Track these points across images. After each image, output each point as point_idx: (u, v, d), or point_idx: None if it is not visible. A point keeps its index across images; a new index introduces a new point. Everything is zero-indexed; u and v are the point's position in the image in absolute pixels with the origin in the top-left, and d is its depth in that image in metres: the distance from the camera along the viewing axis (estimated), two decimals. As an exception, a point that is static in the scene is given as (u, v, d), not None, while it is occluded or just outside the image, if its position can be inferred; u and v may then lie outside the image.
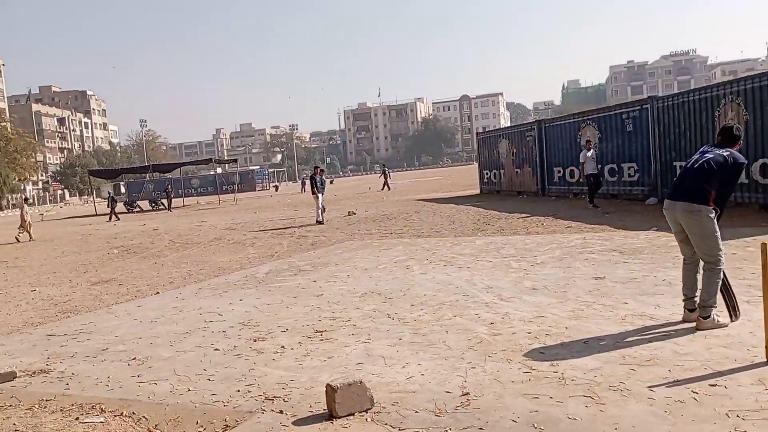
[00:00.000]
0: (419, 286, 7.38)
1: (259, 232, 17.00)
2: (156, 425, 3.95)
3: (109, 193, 34.61)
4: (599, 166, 15.75)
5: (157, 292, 8.88)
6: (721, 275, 4.67)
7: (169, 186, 40.28)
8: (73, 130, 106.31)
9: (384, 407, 3.75)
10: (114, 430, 3.93)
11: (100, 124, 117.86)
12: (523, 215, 14.76)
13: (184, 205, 40.20)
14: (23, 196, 33.44)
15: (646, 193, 15.15)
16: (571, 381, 3.89)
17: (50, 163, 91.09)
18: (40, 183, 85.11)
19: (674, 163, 13.85)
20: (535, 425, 3.31)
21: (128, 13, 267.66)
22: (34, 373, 5.16)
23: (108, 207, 31.59)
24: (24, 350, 5.99)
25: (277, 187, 63.31)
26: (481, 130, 32.21)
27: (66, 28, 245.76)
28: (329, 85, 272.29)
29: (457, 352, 4.71)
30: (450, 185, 35.30)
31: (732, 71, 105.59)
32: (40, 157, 75.29)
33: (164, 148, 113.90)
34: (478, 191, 25.76)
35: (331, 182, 61.28)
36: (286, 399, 4.07)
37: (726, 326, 4.68)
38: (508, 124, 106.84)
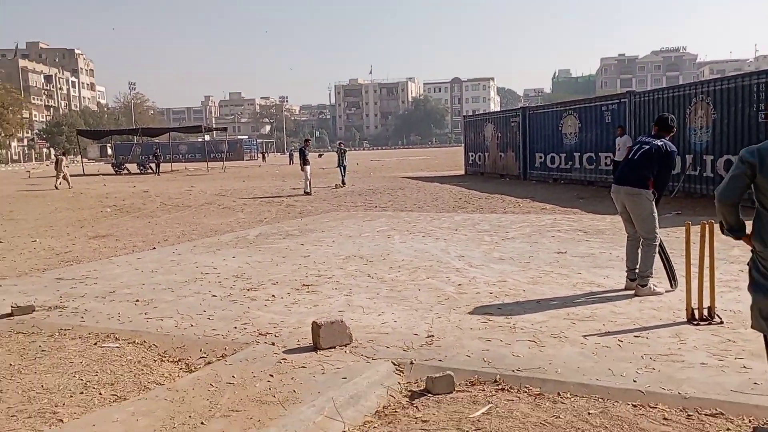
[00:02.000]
0: (398, 252, 8.06)
1: (248, 199, 17.57)
2: (165, 351, 4.61)
3: (55, 155, 30.99)
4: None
5: (154, 248, 9.48)
6: (657, 249, 5.40)
7: (158, 150, 40.49)
8: (60, 88, 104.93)
9: (360, 343, 4.43)
10: (129, 353, 4.57)
11: (88, 84, 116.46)
12: (503, 196, 15.47)
13: (172, 170, 40.43)
14: (61, 151, 33.70)
15: (620, 182, 15.91)
16: (520, 329, 4.60)
17: (36, 121, 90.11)
18: (25, 140, 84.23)
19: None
20: (485, 359, 4.02)
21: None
22: (51, 308, 5.77)
23: (55, 169, 25.58)
24: (37, 290, 6.58)
25: (264, 156, 63.31)
26: (470, 113, 32.78)
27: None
28: (320, 60, 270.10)
29: (426, 305, 5.40)
30: (436, 165, 35.95)
31: (720, 70, 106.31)
32: (26, 114, 74.41)
33: (152, 112, 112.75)
34: (463, 172, 26.46)
35: (320, 156, 61.41)
36: (277, 335, 4.74)
37: (661, 294, 5.42)
38: (498, 109, 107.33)
